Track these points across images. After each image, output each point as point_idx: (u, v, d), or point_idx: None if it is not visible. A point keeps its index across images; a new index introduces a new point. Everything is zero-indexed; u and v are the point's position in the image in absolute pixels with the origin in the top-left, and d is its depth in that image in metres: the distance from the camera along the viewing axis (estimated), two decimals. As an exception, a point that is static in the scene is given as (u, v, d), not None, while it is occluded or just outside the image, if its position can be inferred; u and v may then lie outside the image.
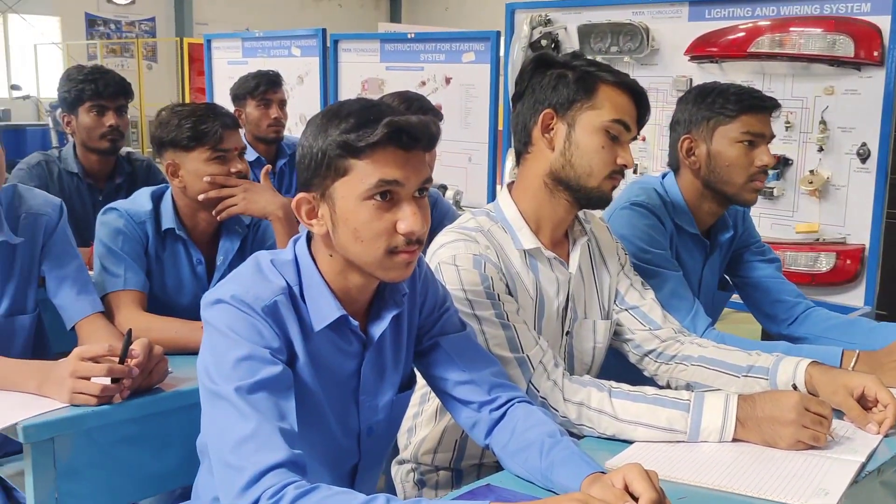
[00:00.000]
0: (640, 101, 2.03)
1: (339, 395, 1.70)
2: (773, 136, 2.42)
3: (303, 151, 1.57)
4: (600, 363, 2.24)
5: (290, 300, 1.60)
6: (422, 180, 1.56)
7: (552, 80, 2.02)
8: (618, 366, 2.27)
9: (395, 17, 21.78)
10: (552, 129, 2.02)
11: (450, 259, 1.95)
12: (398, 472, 2.27)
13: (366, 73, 5.68)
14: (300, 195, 1.59)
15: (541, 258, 2.07)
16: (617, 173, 2.02)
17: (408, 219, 1.53)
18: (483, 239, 2.00)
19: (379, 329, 1.69)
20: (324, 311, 1.61)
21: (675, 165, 2.51)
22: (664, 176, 2.55)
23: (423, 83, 5.32)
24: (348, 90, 5.78)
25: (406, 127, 1.51)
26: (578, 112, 1.99)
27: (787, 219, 3.61)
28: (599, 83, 2.00)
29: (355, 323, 1.65)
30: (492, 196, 5.01)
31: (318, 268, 1.63)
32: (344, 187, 1.53)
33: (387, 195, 1.53)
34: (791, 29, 3.54)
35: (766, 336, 3.10)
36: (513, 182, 2.14)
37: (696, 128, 2.42)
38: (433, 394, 1.91)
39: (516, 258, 2.04)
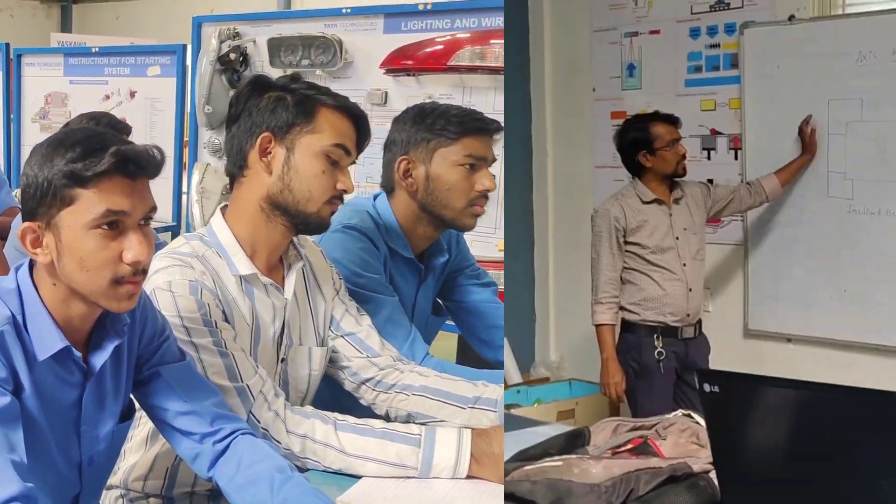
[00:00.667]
0: (360, 125, 2.18)
1: (61, 425, 1.78)
2: (494, 160, 2.52)
3: (27, 181, 1.65)
4: (315, 391, 2.34)
5: (15, 330, 1.67)
6: (147, 209, 1.69)
7: (270, 104, 2.14)
8: (331, 394, 2.39)
9: (65, 26, 20.99)
10: (270, 152, 2.12)
11: (165, 285, 2.03)
12: (106, 498, 2.25)
13: (49, 87, 5.88)
14: (25, 224, 1.66)
15: (257, 284, 2.16)
16: (336, 198, 2.15)
17: (134, 248, 1.65)
18: (198, 265, 2.08)
19: (100, 359, 1.78)
20: (46, 341, 1.69)
21: (389, 187, 2.58)
22: (376, 197, 2.62)
23: (108, 97, 5.55)
24: (31, 104, 5.99)
25: (132, 156, 1.63)
26: (298, 136, 2.11)
27: (490, 237, 3.78)
28: (319, 107, 2.13)
29: (78, 354, 1.74)
30: (177, 211, 5.19)
31: (40, 297, 1.70)
32: (70, 217, 1.63)
33: (113, 224, 1.64)
34: (492, 41, 3.72)
35: (467, 357, 3.26)
36: (226, 205, 2.23)
37: (415, 149, 2.48)
38: (144, 418, 2.01)
39: (232, 284, 2.13)
